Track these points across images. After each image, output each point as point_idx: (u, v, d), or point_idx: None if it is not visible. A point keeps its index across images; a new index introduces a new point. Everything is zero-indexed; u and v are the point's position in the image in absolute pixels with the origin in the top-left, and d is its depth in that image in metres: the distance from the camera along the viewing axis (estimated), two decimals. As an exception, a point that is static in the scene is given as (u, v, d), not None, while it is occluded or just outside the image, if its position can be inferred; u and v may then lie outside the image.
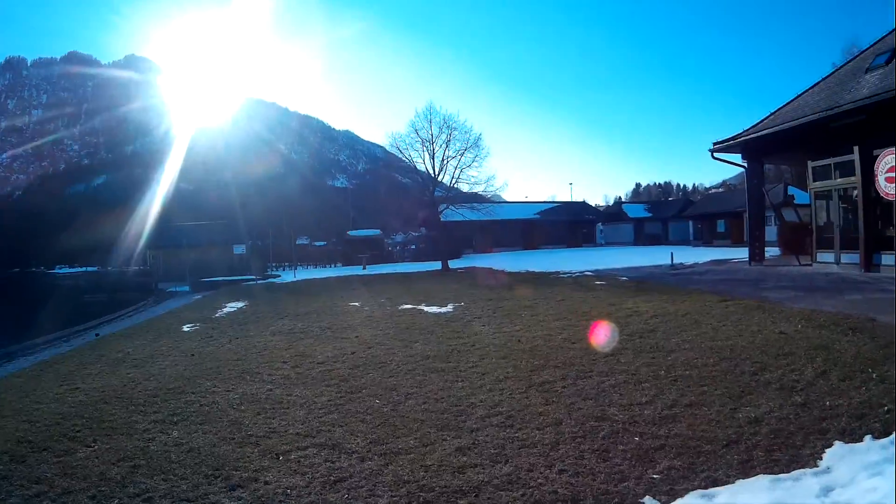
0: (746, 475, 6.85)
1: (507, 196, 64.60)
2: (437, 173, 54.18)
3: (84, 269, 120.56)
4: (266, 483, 7.51)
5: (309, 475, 7.66)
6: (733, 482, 6.70)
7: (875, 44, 29.09)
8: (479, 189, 55.64)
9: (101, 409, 11.55)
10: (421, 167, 55.80)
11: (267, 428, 9.67)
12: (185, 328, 23.70)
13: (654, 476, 6.99)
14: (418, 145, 54.79)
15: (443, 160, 53.97)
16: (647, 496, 6.46)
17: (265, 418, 10.23)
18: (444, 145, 54.11)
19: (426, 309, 23.73)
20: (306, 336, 19.00)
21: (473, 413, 9.68)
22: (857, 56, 31.11)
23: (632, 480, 6.90)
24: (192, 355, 17.01)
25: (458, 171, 54.22)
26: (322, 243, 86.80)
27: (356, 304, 27.51)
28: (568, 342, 14.81)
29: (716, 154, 33.15)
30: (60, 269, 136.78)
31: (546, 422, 8.99)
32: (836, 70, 31.43)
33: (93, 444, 9.39)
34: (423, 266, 58.73)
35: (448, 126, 54.38)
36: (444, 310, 23.19)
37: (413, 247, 77.69)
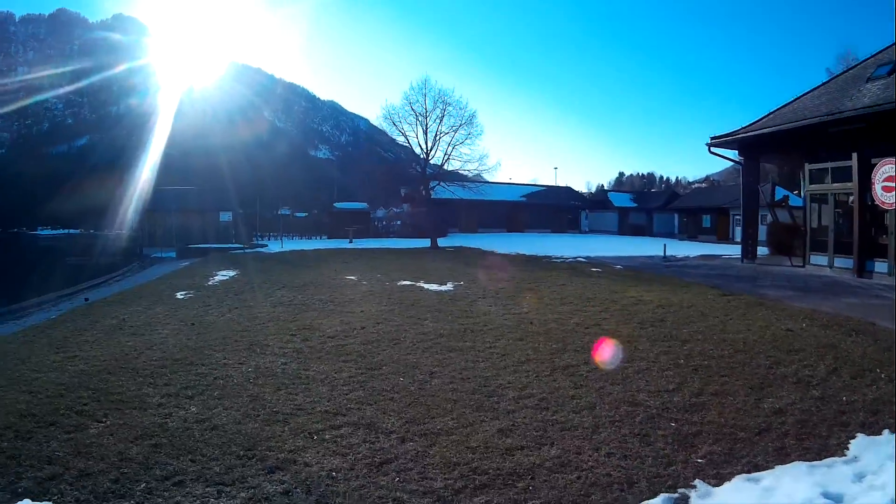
0: (783, 461, 7.12)
1: (489, 177, 64.18)
2: (429, 148, 54.04)
3: (66, 231, 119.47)
4: (306, 465, 7.24)
5: (350, 456, 7.45)
6: (772, 468, 6.95)
7: (877, 54, 29.30)
8: (471, 167, 55.43)
9: (106, 380, 11.18)
10: (413, 141, 55.54)
11: (292, 405, 9.42)
12: (179, 295, 23.52)
13: (699, 460, 7.16)
14: (412, 119, 54.59)
15: (436, 136, 53.81)
16: (697, 479, 6.62)
17: (287, 394, 9.97)
18: (437, 120, 53.96)
19: (426, 286, 23.74)
20: (308, 308, 18.93)
21: (504, 394, 9.63)
22: (858, 64, 31.26)
23: (678, 464, 7.05)
24: (193, 324, 16.87)
25: (450, 148, 54.10)
26: (303, 214, 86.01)
27: (352, 277, 27.51)
28: (581, 327, 14.88)
29: (713, 148, 33.32)
30: (43, 230, 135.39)
31: (580, 405, 9.05)
32: (837, 76, 31.76)
33: (104, 420, 8.93)
34: (410, 242, 58.48)
35: (443, 101, 54.22)
36: (444, 288, 23.24)
37: (398, 223, 77.23)
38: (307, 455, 7.50)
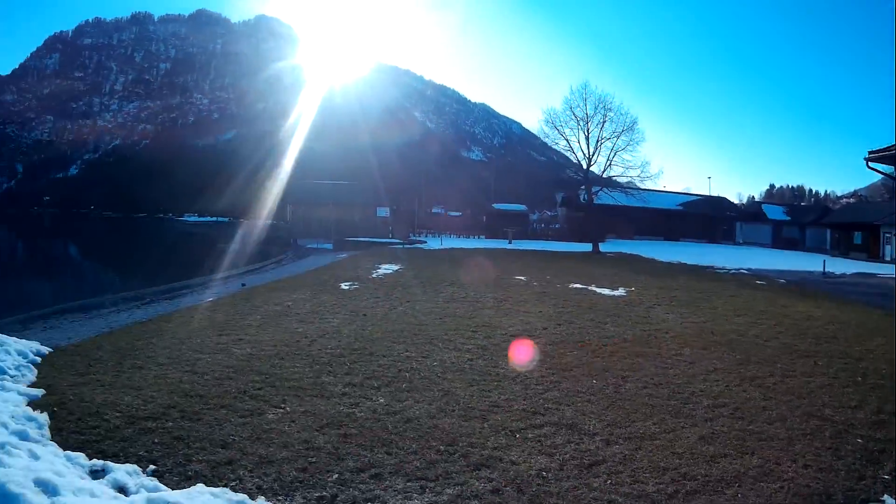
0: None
1: (651, 185, 63.29)
2: (591, 154, 53.75)
3: (214, 219, 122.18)
4: (513, 462, 7.08)
5: (558, 456, 7.30)
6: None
7: None
8: (633, 174, 54.90)
9: (280, 365, 11.31)
10: (575, 146, 55.18)
11: (487, 402, 9.33)
12: (344, 286, 23.86)
13: (885, 476, 7.06)
14: (573, 123, 54.45)
15: (598, 141, 53.55)
16: (886, 495, 6.59)
17: (480, 391, 9.91)
18: (599, 126, 53.68)
19: (598, 290, 23.71)
20: (483, 306, 19.01)
21: (699, 402, 9.60)
22: None
23: (868, 479, 6.96)
24: (364, 315, 17.00)
25: (612, 154, 53.77)
26: (457, 213, 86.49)
27: (522, 278, 27.58)
28: (760, 339, 14.73)
29: (870, 163, 32.42)
30: (190, 217, 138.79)
31: (772, 416, 8.97)
32: None
33: (282, 406, 9.00)
34: (569, 246, 57.92)
35: (604, 106, 54.06)
36: (617, 293, 23.15)
37: (555, 226, 76.67)
38: (512, 453, 7.39)
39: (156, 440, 7.65)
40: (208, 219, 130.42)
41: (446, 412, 8.88)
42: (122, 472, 6.72)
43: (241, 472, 6.74)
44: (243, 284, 27.02)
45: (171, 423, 8.19)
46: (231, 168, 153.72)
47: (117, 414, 8.58)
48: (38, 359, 12.28)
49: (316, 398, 9.34)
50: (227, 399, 9.23)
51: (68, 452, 7.14)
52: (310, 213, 68.79)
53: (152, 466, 6.87)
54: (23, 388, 10.18)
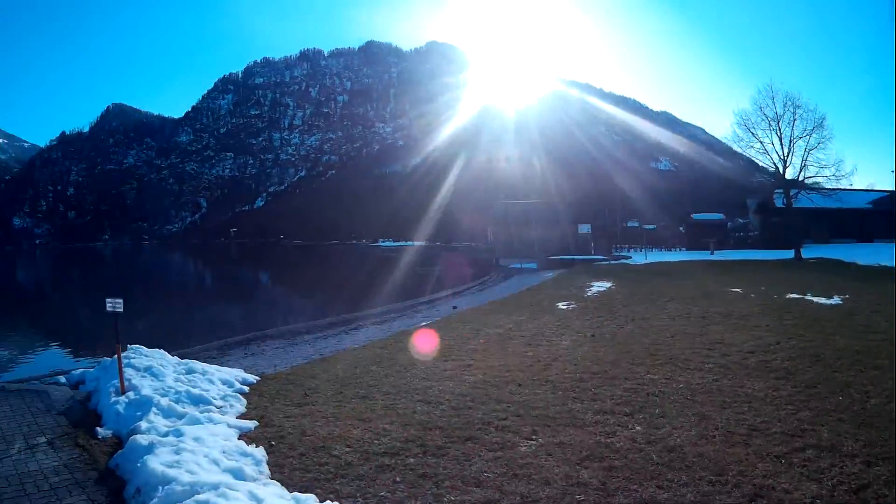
0: None
1: (845, 184, 60.40)
2: (786, 155, 52.22)
3: (410, 243, 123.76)
4: (786, 491, 6.70)
5: (826, 482, 6.88)
6: None
7: None
8: (828, 174, 52.86)
9: (519, 392, 11.00)
10: (769, 147, 53.61)
11: (745, 425, 8.87)
12: (561, 306, 23.70)
13: None
14: (764, 125, 53.00)
15: (790, 141, 51.96)
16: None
17: (734, 413, 9.46)
18: (789, 125, 52.12)
19: (814, 300, 22.53)
20: (710, 321, 18.43)
21: None
22: None
23: None
24: (592, 335, 16.74)
25: (806, 154, 52.11)
26: (652, 226, 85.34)
27: (737, 290, 26.67)
28: None
29: None
30: (384, 242, 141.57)
31: None
32: None
33: (533, 437, 8.62)
34: (767, 254, 55.37)
35: (792, 104, 52.23)
36: (832, 301, 21.94)
37: (753, 233, 74.57)
38: (782, 481, 6.99)
39: (397, 478, 7.50)
40: (403, 243, 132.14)
41: (707, 438, 8.45)
42: (366, 516, 6.46)
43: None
44: (455, 307, 27.41)
45: (412, 459, 8.03)
46: (421, 192, 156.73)
47: (347, 449, 8.52)
48: (245, 388, 12.47)
49: (568, 427, 9.02)
50: (471, 431, 8.99)
51: (297, 494, 6.96)
52: (510, 232, 68.96)
53: (398, 509, 6.59)
54: (232, 419, 10.25)
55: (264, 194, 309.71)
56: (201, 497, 6.69)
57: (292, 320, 31.65)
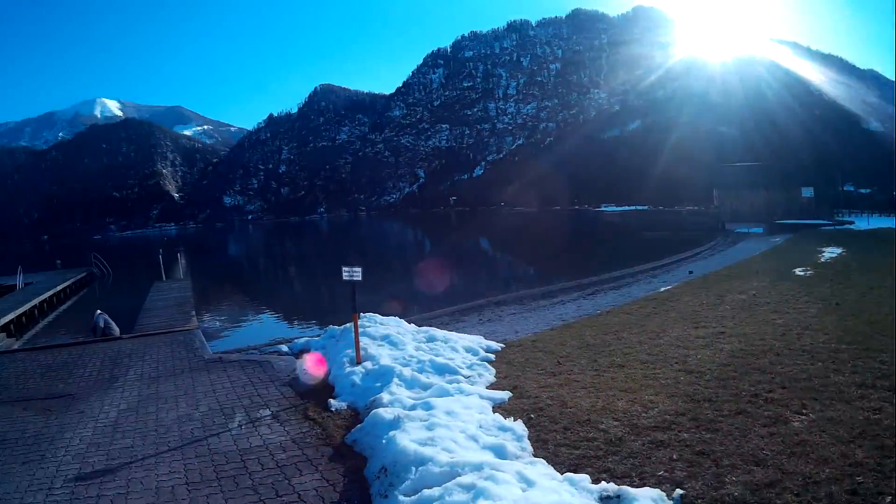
0: None
1: None
2: None
3: (632, 207, 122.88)
4: None
5: None
6: None
7: None
8: None
9: (778, 362, 10.20)
10: None
11: None
12: (798, 272, 22.78)
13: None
14: None
15: None
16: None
17: None
18: None
19: None
20: None
21: None
22: None
23: None
24: (837, 304, 15.57)
25: None
26: (866, 190, 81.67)
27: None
28: None
29: None
30: (607, 206, 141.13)
31: None
32: None
33: (803, 412, 7.81)
34: None
35: None
36: None
37: None
38: None
39: (674, 456, 6.84)
40: (626, 208, 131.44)
41: None
42: (646, 499, 5.74)
43: (787, 497, 5.69)
44: (690, 272, 26.97)
45: (685, 434, 7.40)
46: (641, 157, 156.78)
47: (615, 422, 7.96)
48: (491, 356, 12.18)
49: (834, 402, 8.13)
50: (741, 403, 8.30)
51: (569, 475, 6.34)
52: (737, 196, 68.17)
53: (679, 491, 5.95)
54: (483, 390, 9.86)
55: (482, 163, 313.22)
56: (464, 480, 6.12)
57: (521, 286, 31.98)
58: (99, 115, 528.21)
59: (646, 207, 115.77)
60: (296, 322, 28.22)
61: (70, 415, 11.26)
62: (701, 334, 12.50)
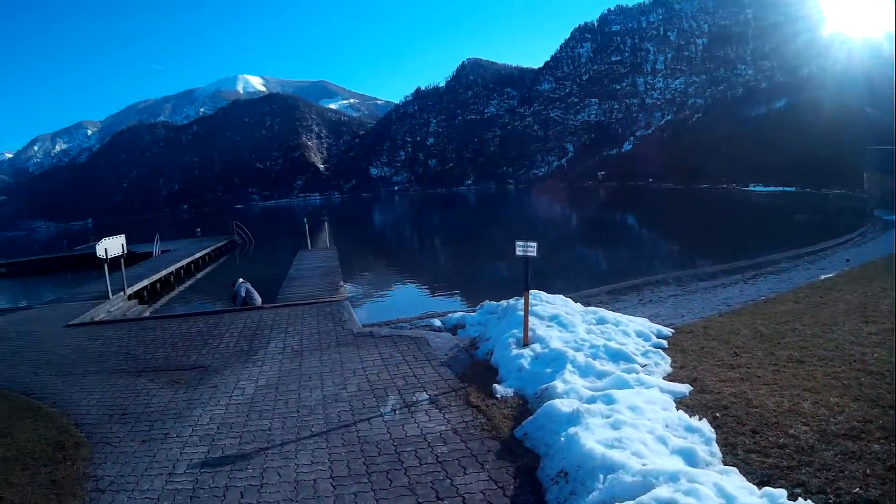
0: None
1: None
2: None
3: (781, 189, 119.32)
4: None
5: None
6: None
7: None
8: None
9: None
10: None
11: None
12: None
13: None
14: None
15: None
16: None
17: None
18: None
19: None
20: None
21: None
22: None
23: None
24: None
25: None
26: None
27: None
28: None
29: None
30: (755, 187, 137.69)
31: None
32: None
33: None
34: None
35: None
36: None
37: None
38: None
39: (867, 471, 6.03)
40: (774, 189, 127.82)
41: None
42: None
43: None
44: (847, 260, 25.66)
45: (876, 446, 6.49)
46: (788, 136, 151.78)
47: (804, 427, 7.17)
48: (663, 341, 11.46)
49: None
50: None
51: (767, 489, 5.58)
52: (887, 181, 63.33)
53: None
54: (662, 382, 9.11)
55: (631, 138, 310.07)
56: (660, 493, 5.48)
57: (674, 266, 31.71)
58: (241, 91, 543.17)
59: (793, 189, 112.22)
60: (440, 295, 28.13)
61: (201, 389, 11.21)
62: (873, 330, 11.35)
